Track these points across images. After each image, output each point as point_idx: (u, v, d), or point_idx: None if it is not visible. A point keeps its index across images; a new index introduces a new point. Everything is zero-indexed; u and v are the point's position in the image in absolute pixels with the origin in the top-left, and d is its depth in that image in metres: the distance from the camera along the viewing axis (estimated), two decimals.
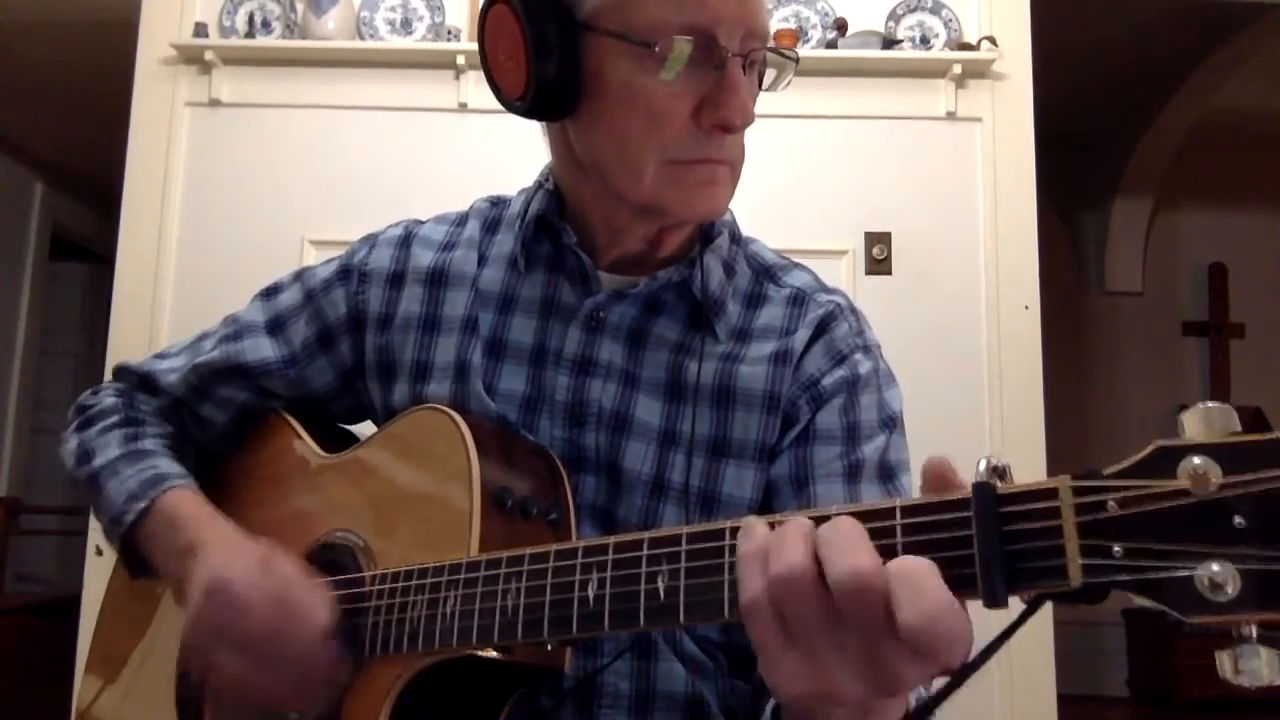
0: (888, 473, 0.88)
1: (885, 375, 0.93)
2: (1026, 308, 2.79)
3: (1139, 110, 4.90)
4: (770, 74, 0.88)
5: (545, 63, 0.81)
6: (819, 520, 0.54)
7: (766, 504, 0.88)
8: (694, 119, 0.81)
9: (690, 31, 0.78)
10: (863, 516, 0.53)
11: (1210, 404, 0.46)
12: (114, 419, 1.00)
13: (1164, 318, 5.35)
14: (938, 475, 0.54)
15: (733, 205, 0.97)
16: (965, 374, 2.77)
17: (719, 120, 0.80)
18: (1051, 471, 2.68)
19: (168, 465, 0.96)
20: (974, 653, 0.51)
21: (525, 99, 0.84)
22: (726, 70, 0.79)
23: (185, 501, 0.92)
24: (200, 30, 2.85)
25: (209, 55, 2.82)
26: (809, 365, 0.89)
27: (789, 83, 0.88)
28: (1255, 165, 5.19)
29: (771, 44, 0.85)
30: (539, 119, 0.88)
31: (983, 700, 2.60)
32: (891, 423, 0.90)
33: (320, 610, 0.77)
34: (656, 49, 0.78)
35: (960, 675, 0.51)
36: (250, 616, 0.76)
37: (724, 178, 0.84)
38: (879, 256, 2.82)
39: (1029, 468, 2.65)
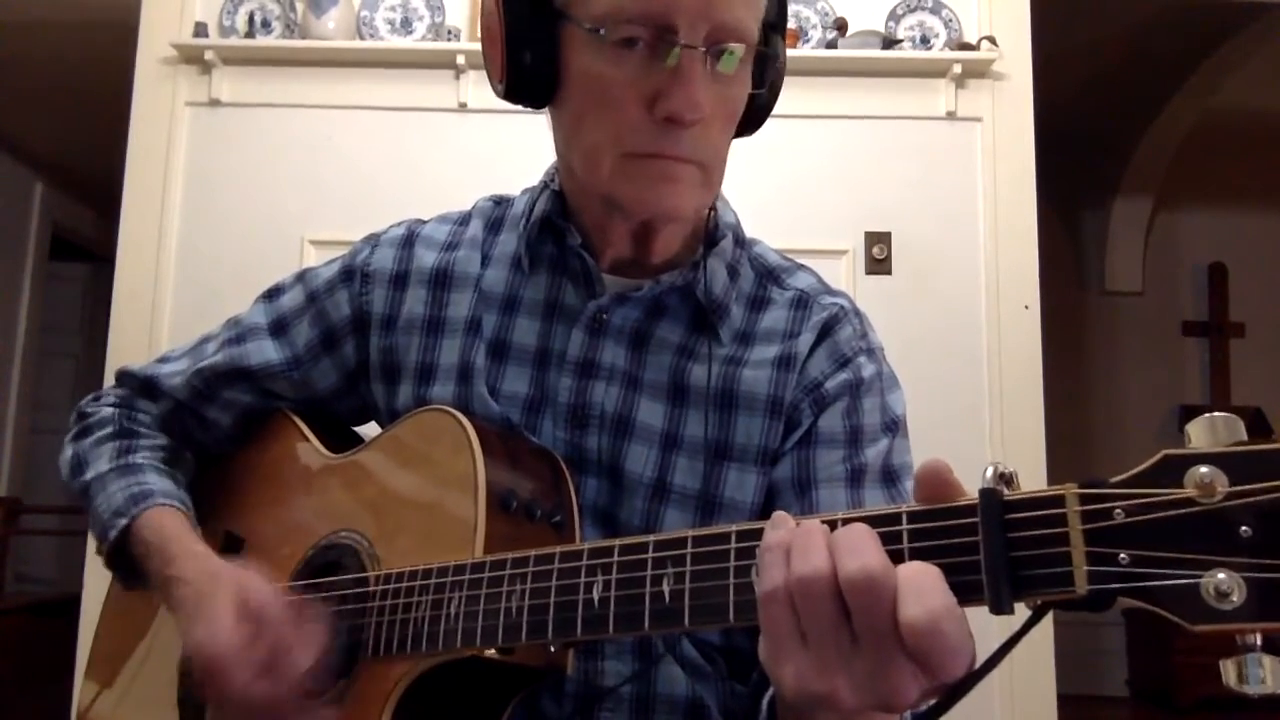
0: (891, 477, 0.87)
1: (888, 378, 0.92)
2: (1026, 308, 2.79)
3: (1139, 110, 4.90)
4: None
5: (518, 48, 0.82)
6: (831, 525, 0.54)
7: (768, 507, 0.87)
8: (647, 110, 0.79)
9: (646, 21, 0.77)
10: (869, 523, 0.54)
11: (1217, 414, 0.46)
12: (108, 430, 1.01)
13: (1164, 318, 5.35)
14: (934, 478, 0.54)
15: (733, 206, 0.97)
16: (965, 374, 2.77)
17: (667, 112, 0.78)
18: (1052, 471, 2.71)
19: (155, 481, 0.96)
20: (976, 665, 0.51)
21: (503, 84, 0.85)
22: (679, 62, 0.77)
23: (164, 523, 0.92)
24: (200, 30, 2.85)
25: (209, 55, 2.82)
26: (812, 368, 0.89)
27: None
28: (1255, 165, 5.18)
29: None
30: (519, 104, 0.88)
31: (983, 700, 2.60)
32: (894, 426, 0.90)
33: (305, 669, 0.77)
34: (615, 37, 0.78)
35: (965, 681, 0.51)
36: (241, 686, 0.77)
37: (686, 176, 0.82)
38: (879, 256, 2.82)
39: (1029, 467, 2.65)
